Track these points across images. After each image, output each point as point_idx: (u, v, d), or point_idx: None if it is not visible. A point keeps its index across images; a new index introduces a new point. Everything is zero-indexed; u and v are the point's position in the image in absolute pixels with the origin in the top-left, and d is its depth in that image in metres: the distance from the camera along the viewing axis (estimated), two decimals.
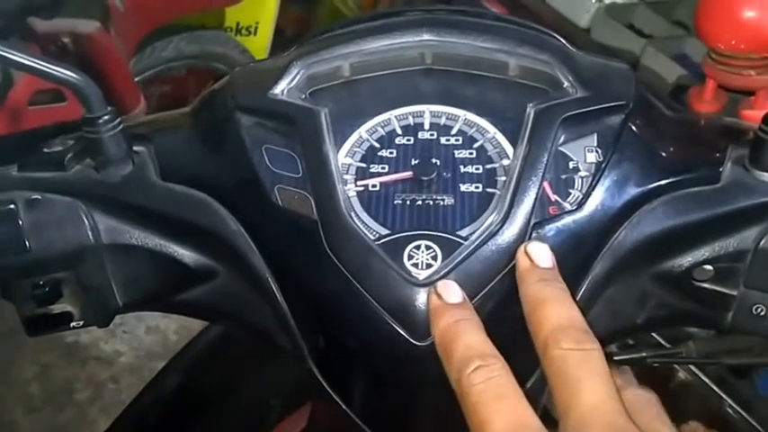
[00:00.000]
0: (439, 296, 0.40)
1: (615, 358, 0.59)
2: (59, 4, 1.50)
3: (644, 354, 0.52)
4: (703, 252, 0.45)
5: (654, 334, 0.64)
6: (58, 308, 0.48)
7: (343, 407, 0.45)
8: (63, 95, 1.52)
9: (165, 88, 2.01)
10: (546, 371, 0.38)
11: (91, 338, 2.00)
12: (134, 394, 0.82)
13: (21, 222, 0.45)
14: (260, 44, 2.23)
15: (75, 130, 0.48)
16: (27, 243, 0.45)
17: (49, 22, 1.48)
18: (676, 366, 0.74)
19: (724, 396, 0.69)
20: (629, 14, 1.51)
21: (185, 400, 0.83)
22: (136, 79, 1.72)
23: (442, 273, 0.41)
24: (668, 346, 0.61)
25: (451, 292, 0.41)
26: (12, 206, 0.45)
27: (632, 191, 0.44)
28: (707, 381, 0.68)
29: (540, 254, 0.41)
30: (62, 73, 0.44)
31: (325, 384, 0.46)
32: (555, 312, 0.39)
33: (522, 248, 0.41)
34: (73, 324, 0.49)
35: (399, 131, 0.47)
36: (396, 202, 0.44)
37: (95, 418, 1.83)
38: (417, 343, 0.41)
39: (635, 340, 0.63)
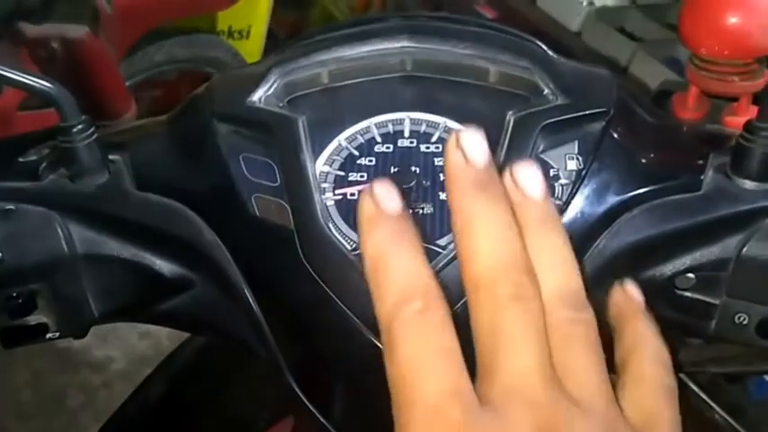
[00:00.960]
0: (375, 202, 0.32)
1: None
2: (49, 8, 1.49)
3: None
4: (685, 260, 0.45)
5: None
6: (33, 319, 0.47)
7: (321, 419, 0.45)
8: None
9: (157, 92, 2.00)
10: (472, 318, 0.31)
11: (83, 344, 1.99)
12: None
13: None
14: (252, 48, 2.22)
15: (49, 138, 0.47)
16: (0, 254, 0.45)
17: (39, 27, 1.47)
18: None
19: (712, 404, 0.69)
20: (620, 18, 1.50)
21: (171, 409, 0.82)
22: (127, 83, 1.71)
23: None
24: None
25: (389, 196, 0.32)
26: None
27: (613, 199, 0.44)
28: (695, 389, 0.67)
29: (474, 146, 0.32)
30: (34, 81, 0.44)
31: (302, 396, 0.45)
32: (492, 241, 0.31)
33: (452, 138, 0.32)
34: (49, 335, 0.48)
35: (379, 139, 0.46)
36: None
37: (88, 424, 1.82)
38: None
39: None
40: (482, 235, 0.31)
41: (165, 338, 2.02)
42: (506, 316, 0.30)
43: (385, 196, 0.32)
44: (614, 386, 0.33)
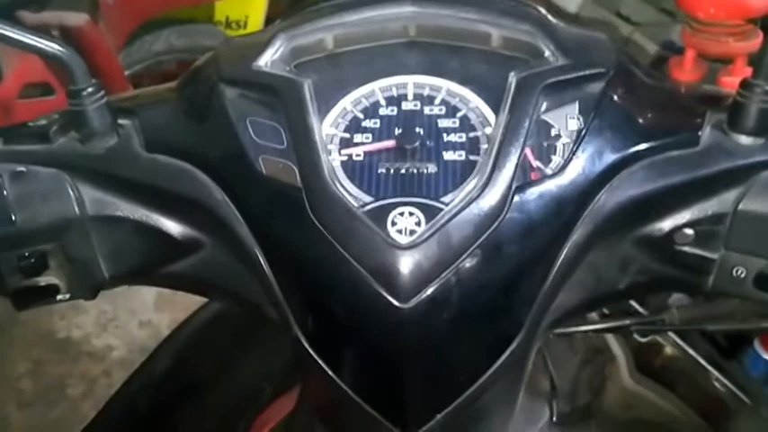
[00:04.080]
0: None
1: (597, 327, 0.59)
2: None
3: (628, 321, 0.52)
4: (683, 215, 0.46)
5: (637, 307, 0.65)
6: (44, 280, 0.48)
7: (331, 375, 0.46)
8: (53, 89, 1.52)
9: (155, 82, 2.00)
10: None
11: (83, 334, 2.00)
12: None
13: (5, 194, 0.45)
14: None
15: None
16: (12, 215, 0.46)
17: (38, 15, 1.48)
18: (662, 341, 0.74)
19: (711, 369, 0.70)
20: (616, 2, 1.51)
21: (175, 385, 0.83)
22: (125, 73, 1.72)
23: (424, 237, 0.41)
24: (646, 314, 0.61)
25: None
26: None
27: (612, 155, 0.45)
28: (693, 354, 0.68)
29: None
30: (46, 45, 0.44)
31: (312, 353, 0.46)
32: None
33: None
34: (59, 297, 0.49)
35: (383, 102, 0.47)
36: (380, 170, 0.44)
37: (88, 413, 1.82)
38: (401, 305, 0.41)
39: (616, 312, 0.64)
40: None
41: (164, 327, 2.02)
42: None
43: None
44: None
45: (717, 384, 0.71)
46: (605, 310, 0.69)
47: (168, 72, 2.00)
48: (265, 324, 0.49)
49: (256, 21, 2.23)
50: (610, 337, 0.74)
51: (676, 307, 0.52)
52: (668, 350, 0.75)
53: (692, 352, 0.68)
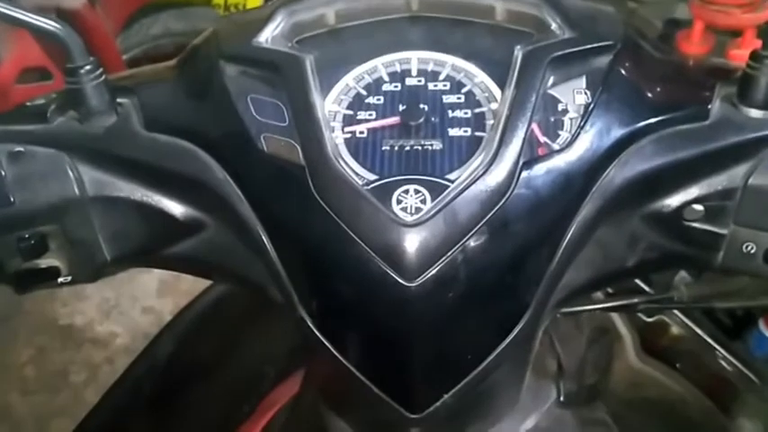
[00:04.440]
0: None
1: (604, 305, 0.59)
2: None
3: (635, 300, 0.52)
4: (693, 191, 0.45)
5: (644, 286, 0.64)
6: (44, 262, 0.47)
7: (337, 356, 0.45)
8: (50, 73, 1.51)
9: None
10: None
11: (86, 320, 2.00)
12: None
13: (3, 175, 0.45)
14: None
15: None
16: (11, 196, 0.45)
17: None
18: (668, 320, 0.74)
19: (719, 348, 0.70)
20: None
21: (179, 369, 0.83)
22: (123, 57, 1.71)
23: (430, 215, 0.41)
24: (651, 292, 0.60)
25: None
26: None
27: (621, 130, 0.44)
28: (700, 332, 0.68)
29: None
30: (42, 22, 0.44)
31: (317, 334, 0.45)
32: None
33: None
34: (60, 279, 0.48)
35: (386, 78, 0.46)
36: (384, 147, 0.44)
37: (91, 400, 1.82)
38: (407, 284, 0.40)
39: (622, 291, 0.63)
40: None
41: (167, 313, 2.02)
42: None
43: None
44: None
45: (723, 363, 0.71)
46: (610, 290, 0.68)
47: (166, 55, 1.98)
48: (268, 307, 0.49)
49: (254, 4, 2.22)
50: (616, 317, 0.74)
51: (684, 284, 0.52)
52: (674, 330, 0.75)
53: (698, 331, 0.68)
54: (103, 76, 0.46)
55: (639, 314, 0.72)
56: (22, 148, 0.45)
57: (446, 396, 0.45)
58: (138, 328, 2.01)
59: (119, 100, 0.47)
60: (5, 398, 1.84)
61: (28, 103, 0.47)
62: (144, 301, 2.05)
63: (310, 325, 0.46)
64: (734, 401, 0.77)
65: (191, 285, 0.57)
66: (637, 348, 0.73)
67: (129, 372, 0.82)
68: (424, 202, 0.41)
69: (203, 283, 0.85)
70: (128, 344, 1.98)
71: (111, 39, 1.62)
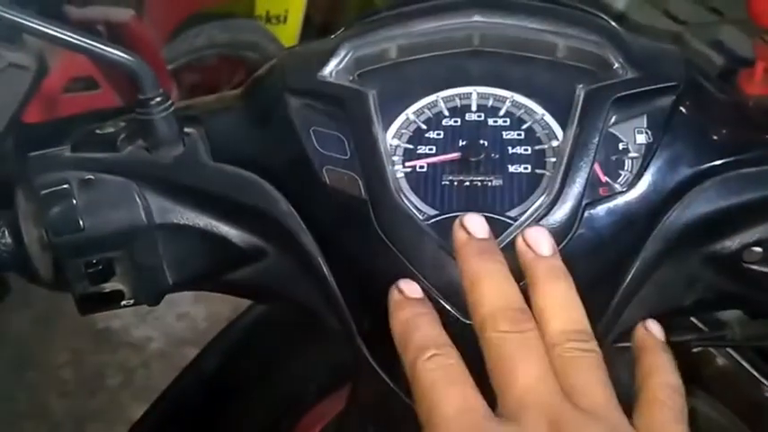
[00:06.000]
0: (400, 291, 0.42)
1: None
2: None
3: (689, 337, 0.52)
4: (753, 233, 0.45)
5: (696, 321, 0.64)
6: (109, 286, 0.48)
7: (392, 386, 0.46)
8: (96, 83, 1.53)
9: (197, 77, 2.01)
10: (484, 352, 0.38)
11: (122, 324, 2.02)
12: (164, 380, 0.83)
13: (75, 202, 0.46)
14: (289, 32, 2.23)
15: (109, 117, 0.48)
16: (81, 222, 0.46)
17: (84, 10, 1.49)
18: (713, 351, 0.73)
19: (763, 381, 0.69)
20: (664, 0, 1.49)
21: (224, 383, 0.84)
22: (168, 68, 1.73)
23: None
24: (705, 329, 0.60)
25: (412, 289, 0.42)
26: (66, 186, 0.46)
27: (684, 171, 0.44)
28: (747, 366, 0.67)
29: (476, 225, 0.41)
30: (116, 54, 0.45)
31: (373, 363, 0.46)
32: (492, 291, 0.39)
33: (457, 222, 0.41)
34: (123, 303, 0.50)
35: (446, 113, 0.47)
36: (444, 183, 0.44)
37: (126, 402, 1.85)
38: (466, 320, 0.41)
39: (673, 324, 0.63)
40: (484, 287, 0.39)
41: (201, 320, 2.04)
42: (507, 344, 0.37)
43: (407, 288, 0.42)
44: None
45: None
46: None
47: (209, 66, 2.01)
48: (312, 325, 0.50)
49: (296, 16, 2.24)
50: None
51: (737, 323, 0.51)
52: (719, 360, 0.74)
53: (744, 363, 0.67)
54: (172, 108, 0.47)
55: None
56: (92, 176, 0.47)
57: None
58: (173, 334, 2.03)
59: (186, 130, 0.48)
60: (44, 399, 1.87)
61: (97, 131, 0.49)
62: (179, 308, 2.07)
63: (367, 355, 0.46)
64: None
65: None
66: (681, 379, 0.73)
67: (173, 385, 0.82)
68: None
69: None
70: (163, 348, 2.00)
71: (158, 51, 1.64)
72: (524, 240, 0.41)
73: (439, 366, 0.38)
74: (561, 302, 0.39)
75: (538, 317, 0.39)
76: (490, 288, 0.39)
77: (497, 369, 0.37)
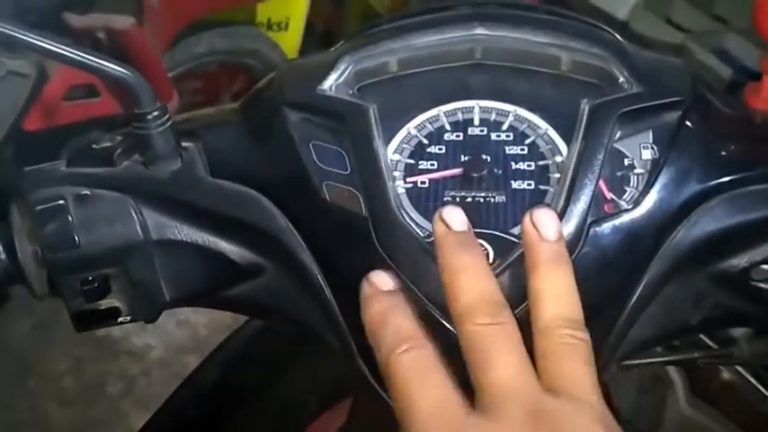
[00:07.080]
0: (371, 284, 0.41)
1: (664, 359, 0.58)
2: None
3: (696, 354, 0.51)
4: (761, 251, 0.44)
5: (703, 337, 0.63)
6: (105, 303, 0.48)
7: (392, 403, 0.45)
8: (97, 91, 1.53)
9: (197, 84, 2.00)
10: (462, 345, 0.38)
11: (122, 332, 2.01)
12: (165, 388, 0.82)
13: (70, 218, 0.45)
14: (291, 40, 2.22)
15: (108, 125, 0.48)
16: (76, 238, 0.45)
17: (84, 18, 1.49)
18: (721, 367, 0.73)
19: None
20: (667, 8, 1.48)
21: (223, 396, 0.83)
22: (169, 75, 1.73)
23: (496, 272, 0.40)
24: (714, 346, 0.59)
25: (383, 281, 0.41)
26: (61, 201, 0.45)
27: (690, 189, 0.43)
28: (754, 381, 0.66)
29: (454, 218, 0.40)
30: (113, 69, 0.44)
31: (374, 382, 0.45)
32: (470, 284, 0.39)
33: (437, 215, 0.41)
34: (120, 319, 0.49)
35: (448, 127, 0.46)
36: (446, 199, 0.43)
37: (127, 411, 1.84)
38: None
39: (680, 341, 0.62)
40: (462, 280, 0.39)
41: (202, 327, 2.03)
42: (485, 337, 0.37)
43: (379, 279, 0.41)
44: None
45: None
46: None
47: (210, 73, 2.01)
48: (310, 339, 0.49)
49: (297, 23, 2.23)
50: None
51: (745, 340, 0.51)
52: (725, 375, 0.74)
53: (751, 379, 0.67)
54: (170, 122, 0.46)
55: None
56: (88, 191, 0.46)
57: None
58: (174, 341, 2.02)
59: (183, 144, 0.47)
60: (44, 408, 1.86)
61: (93, 146, 0.48)
62: (179, 315, 2.06)
63: (368, 375, 0.45)
64: None
65: None
66: (687, 394, 0.72)
67: (173, 398, 0.82)
68: (487, 256, 0.41)
69: None
70: (163, 356, 1.99)
71: (159, 58, 1.64)
72: (531, 219, 0.40)
73: (414, 360, 0.38)
74: (559, 288, 0.39)
75: (533, 299, 0.39)
76: (468, 281, 0.39)
77: (475, 362, 0.37)
